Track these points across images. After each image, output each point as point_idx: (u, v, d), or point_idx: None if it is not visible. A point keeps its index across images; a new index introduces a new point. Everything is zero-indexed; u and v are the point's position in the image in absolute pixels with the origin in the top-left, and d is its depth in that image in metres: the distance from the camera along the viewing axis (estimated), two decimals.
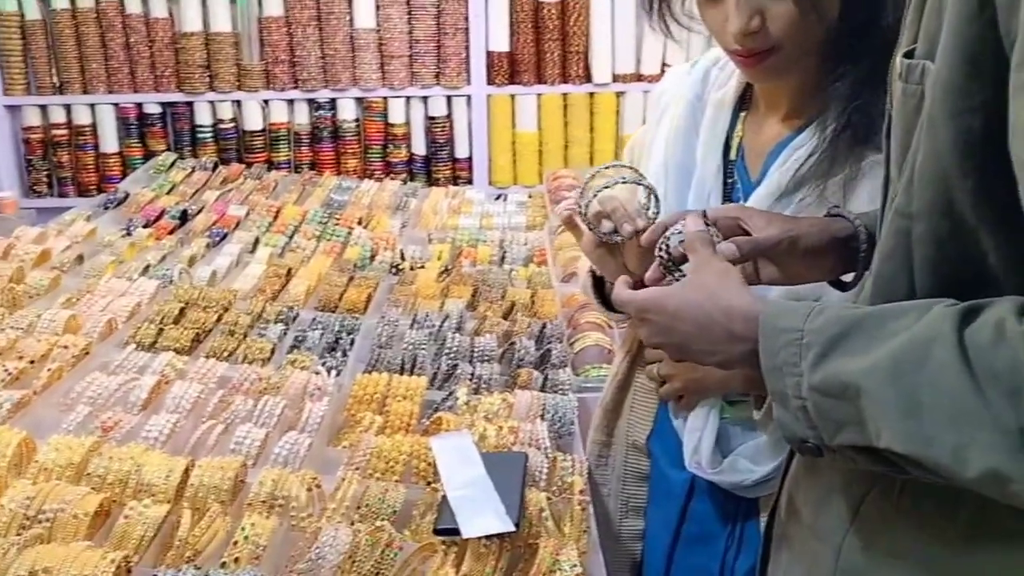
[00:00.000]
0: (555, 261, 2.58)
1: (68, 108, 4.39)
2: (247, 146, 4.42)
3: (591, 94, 4.41)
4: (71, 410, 1.49)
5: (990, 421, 0.65)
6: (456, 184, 4.29)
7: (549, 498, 1.29)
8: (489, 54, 4.37)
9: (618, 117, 4.42)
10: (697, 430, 1.26)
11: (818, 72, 1.15)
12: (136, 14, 4.27)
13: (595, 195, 1.16)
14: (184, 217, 2.86)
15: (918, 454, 0.69)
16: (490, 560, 1.15)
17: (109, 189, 3.40)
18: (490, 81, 4.39)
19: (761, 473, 1.22)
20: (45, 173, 4.46)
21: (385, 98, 4.41)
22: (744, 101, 1.27)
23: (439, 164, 4.48)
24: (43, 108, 4.40)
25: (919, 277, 0.75)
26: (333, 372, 1.73)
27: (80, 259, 2.39)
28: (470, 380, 1.72)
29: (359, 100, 4.44)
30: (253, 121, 4.40)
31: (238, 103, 4.40)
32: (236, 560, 1.13)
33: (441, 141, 4.47)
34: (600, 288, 1.35)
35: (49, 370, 1.61)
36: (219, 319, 1.96)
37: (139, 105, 4.39)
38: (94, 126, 4.40)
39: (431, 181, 4.39)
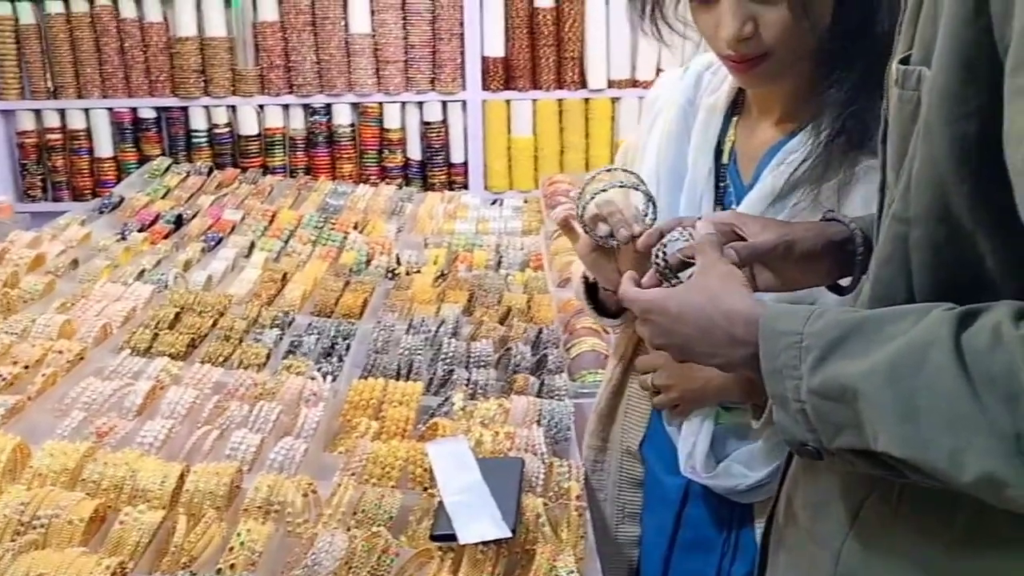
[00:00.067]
0: (551, 266, 2.58)
1: (62, 112, 4.38)
2: (242, 151, 4.41)
3: (586, 99, 4.42)
4: (66, 415, 1.48)
5: (986, 425, 0.65)
6: (452, 189, 4.29)
7: (546, 504, 1.28)
8: (484, 59, 4.37)
9: (613, 122, 4.43)
10: (692, 436, 1.26)
11: (811, 77, 1.15)
12: (131, 18, 4.26)
13: (592, 198, 1.16)
14: (179, 222, 2.86)
15: (915, 458, 0.69)
16: (487, 566, 1.15)
17: (104, 194, 3.39)
18: (485, 86, 4.40)
19: (755, 478, 1.22)
20: (40, 177, 4.45)
21: (380, 103, 4.42)
22: (736, 105, 1.27)
23: (435, 169, 4.48)
24: (37, 112, 4.39)
25: (917, 281, 0.75)
26: (329, 377, 1.72)
27: (75, 264, 2.38)
28: (466, 385, 1.71)
29: (354, 105, 4.44)
30: (248, 126, 4.40)
31: (233, 108, 4.40)
32: (232, 566, 1.12)
33: (437, 146, 4.47)
34: (593, 293, 1.35)
35: (44, 375, 1.60)
36: (214, 324, 1.96)
37: (134, 110, 4.39)
38: (88, 131, 4.39)
39: (427, 186, 4.39)
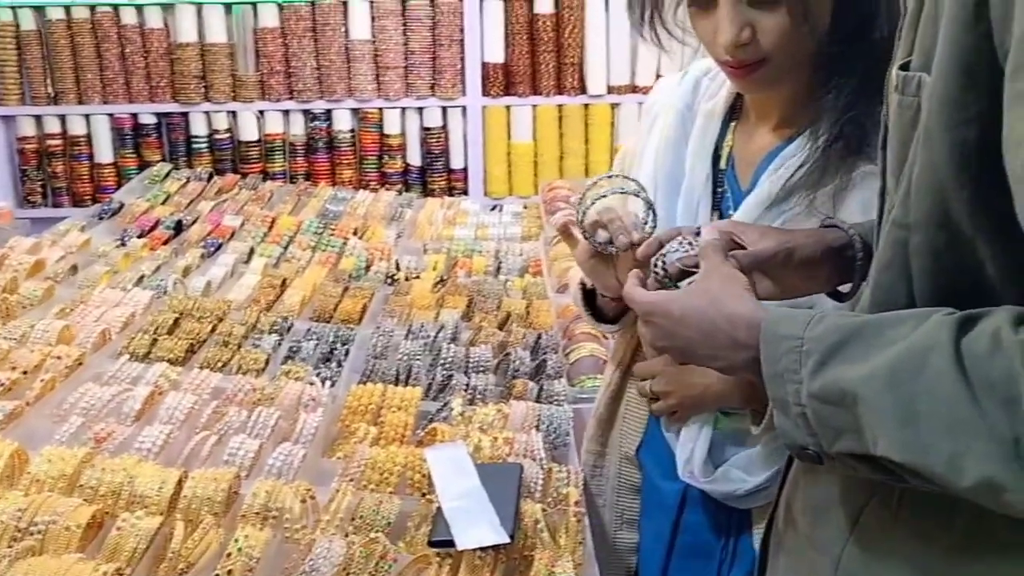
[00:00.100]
0: (550, 272, 2.58)
1: (63, 118, 4.39)
2: (242, 157, 4.42)
3: (586, 105, 4.42)
4: (64, 421, 1.48)
5: (985, 430, 0.65)
6: (451, 195, 4.30)
7: (544, 509, 1.28)
8: (484, 65, 4.38)
9: (613, 128, 4.44)
10: (690, 441, 1.26)
11: (809, 83, 1.15)
12: (131, 24, 4.27)
13: (592, 204, 1.16)
14: (179, 227, 2.86)
15: (914, 462, 0.69)
16: (485, 572, 1.14)
17: (104, 199, 3.40)
18: (485, 92, 4.40)
19: (754, 483, 1.22)
20: (40, 183, 4.45)
21: (380, 109, 4.42)
22: (734, 111, 1.27)
23: (434, 175, 4.49)
24: (38, 118, 4.40)
25: (918, 287, 0.75)
26: (327, 383, 1.72)
27: (74, 269, 2.38)
28: (465, 391, 1.71)
29: (355, 111, 4.44)
30: (248, 132, 4.41)
31: (233, 114, 4.41)
32: (229, 572, 1.12)
33: (436, 152, 4.47)
34: (591, 299, 1.35)
35: (42, 381, 1.60)
36: (213, 330, 1.96)
37: (134, 115, 4.39)
38: (89, 136, 4.39)
39: (426, 192, 4.39)
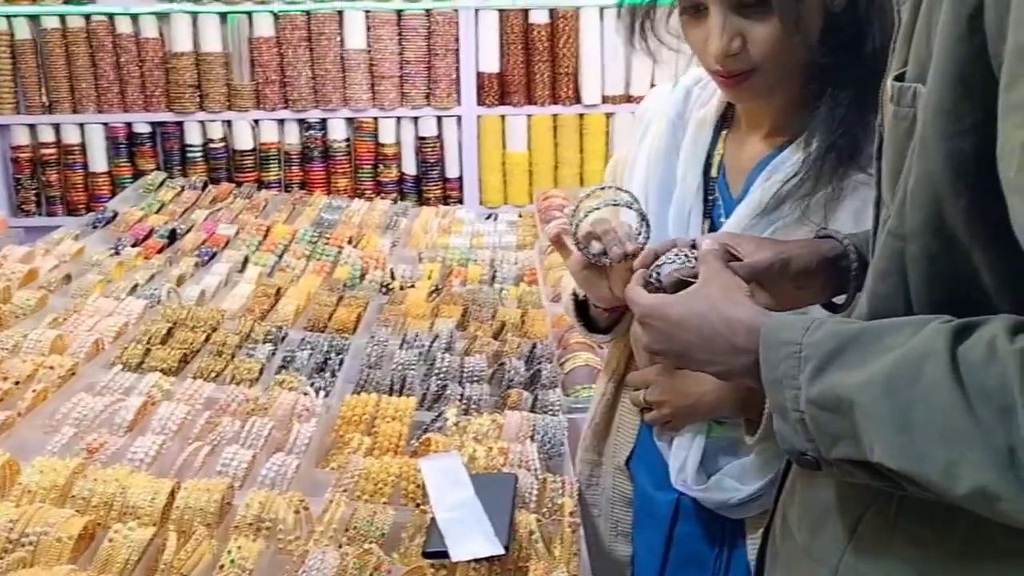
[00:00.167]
0: (546, 281, 2.58)
1: (57, 127, 4.38)
2: (237, 165, 4.42)
3: (581, 115, 4.44)
4: (56, 431, 1.47)
5: (980, 439, 0.65)
6: (447, 204, 4.30)
7: (539, 520, 1.28)
8: (479, 75, 4.39)
9: (607, 138, 4.45)
10: (683, 449, 1.26)
11: (801, 92, 1.15)
12: (126, 34, 4.28)
13: (586, 215, 1.16)
14: (173, 236, 2.85)
15: (909, 470, 0.69)
16: None
17: (98, 208, 3.39)
18: (480, 102, 4.41)
19: (747, 492, 1.22)
20: (34, 192, 4.45)
21: (376, 118, 4.43)
22: (725, 120, 1.27)
23: (429, 184, 4.49)
24: (32, 127, 4.40)
25: (915, 296, 0.76)
26: (322, 393, 1.72)
27: (68, 278, 2.37)
28: (460, 401, 1.71)
29: (349, 120, 4.45)
30: (243, 141, 4.41)
31: (228, 123, 4.41)
32: None
33: (431, 161, 4.48)
34: (583, 309, 1.35)
35: (34, 391, 1.59)
36: (207, 339, 1.95)
37: (129, 125, 4.39)
38: (83, 145, 4.39)
39: (421, 200, 4.40)
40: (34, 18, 4.28)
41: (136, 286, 2.32)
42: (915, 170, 0.72)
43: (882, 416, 0.70)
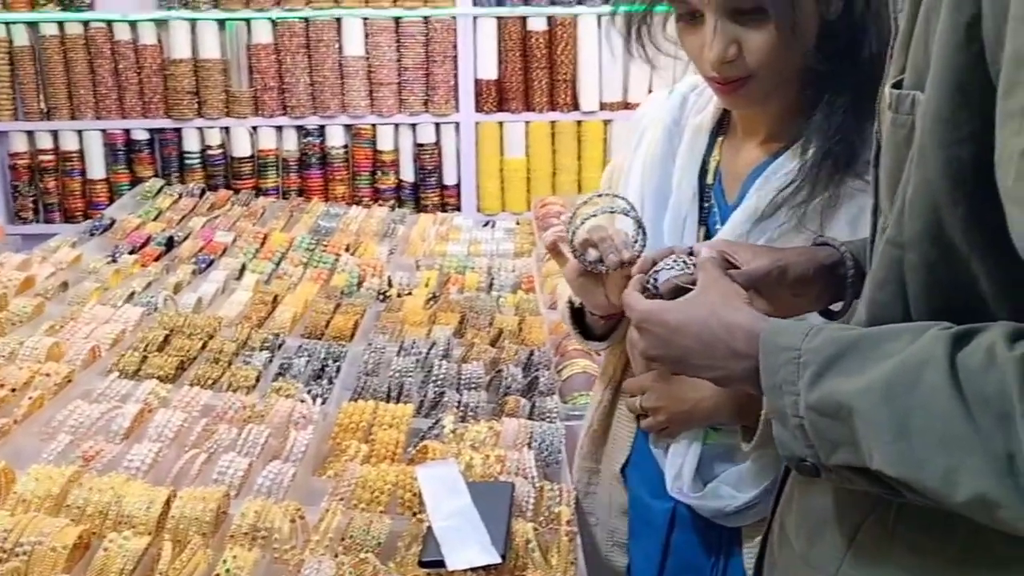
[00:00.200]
0: (543, 288, 2.58)
1: (55, 134, 4.38)
2: (235, 172, 4.42)
3: (579, 122, 4.44)
4: (52, 439, 1.47)
5: (979, 446, 0.65)
6: (444, 211, 4.30)
7: (536, 528, 1.27)
8: (477, 82, 4.40)
9: (605, 144, 4.45)
10: (679, 456, 1.26)
11: (797, 99, 1.15)
12: (125, 40, 4.28)
13: (583, 222, 1.16)
14: (170, 244, 2.85)
15: (908, 477, 0.69)
16: None
17: (96, 215, 3.39)
18: (478, 108, 4.42)
19: (743, 500, 1.21)
20: (31, 199, 4.44)
21: (374, 125, 4.43)
22: (721, 126, 1.27)
23: (427, 191, 4.49)
24: (30, 134, 4.40)
25: (913, 305, 0.76)
26: (318, 400, 1.71)
27: (64, 286, 2.37)
28: (457, 408, 1.70)
29: (348, 127, 4.45)
30: (241, 147, 4.41)
31: (226, 129, 4.41)
32: None
33: (429, 168, 4.48)
34: (579, 317, 1.35)
35: (30, 398, 1.59)
36: (204, 346, 1.95)
37: (127, 131, 4.39)
38: (81, 152, 4.39)
39: (419, 208, 4.39)
40: (33, 25, 4.28)
41: (133, 293, 2.32)
42: (914, 178, 0.72)
43: (881, 423, 0.70)
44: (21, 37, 4.28)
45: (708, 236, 1.23)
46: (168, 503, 1.26)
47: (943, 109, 0.68)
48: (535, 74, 4.37)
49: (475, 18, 4.33)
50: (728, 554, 1.27)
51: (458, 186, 4.51)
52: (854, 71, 1.09)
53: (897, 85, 0.75)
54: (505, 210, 4.46)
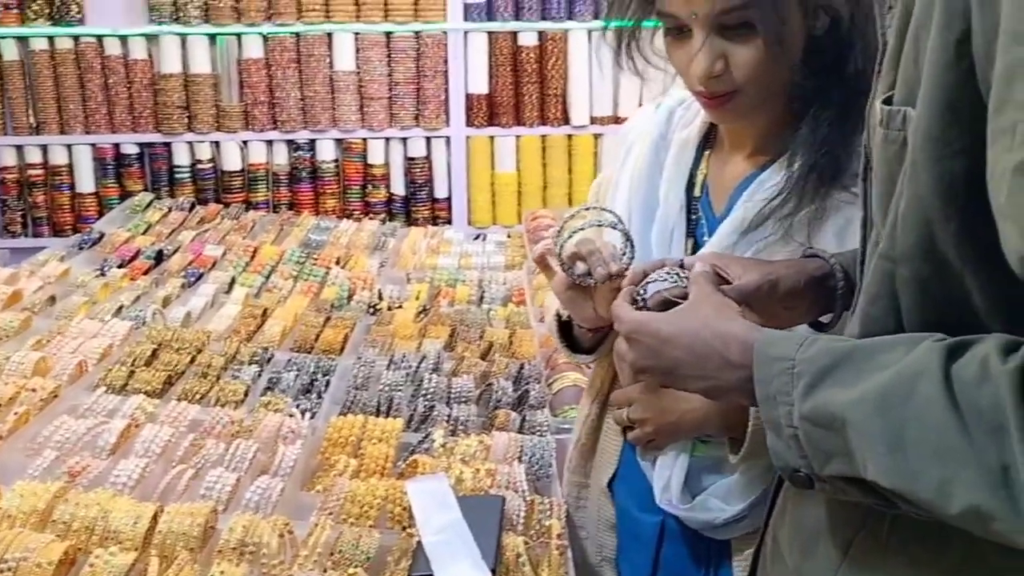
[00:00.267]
0: (534, 301, 2.58)
1: (44, 148, 4.37)
2: (225, 186, 4.41)
3: (569, 136, 4.46)
4: (38, 455, 1.45)
5: (974, 458, 0.65)
6: (435, 224, 4.30)
7: (527, 543, 1.27)
8: (468, 96, 4.41)
9: (596, 158, 4.47)
10: (667, 468, 1.25)
11: (784, 113, 1.16)
12: (115, 55, 4.28)
13: (571, 236, 1.16)
14: (159, 257, 2.84)
15: (902, 489, 0.69)
16: None
17: (85, 229, 3.38)
18: (469, 123, 4.43)
19: (732, 512, 1.21)
20: (20, 213, 4.43)
21: (364, 139, 4.43)
22: (708, 140, 1.28)
23: (418, 204, 4.49)
24: (19, 148, 4.38)
25: (907, 318, 0.76)
26: (307, 414, 1.70)
27: (52, 300, 2.35)
28: (447, 422, 1.70)
29: (338, 141, 4.45)
30: (232, 161, 4.40)
31: (216, 144, 4.41)
32: None
33: (420, 181, 4.48)
34: (567, 330, 1.34)
35: (16, 414, 1.57)
36: (192, 361, 1.93)
37: (116, 145, 4.39)
38: (71, 166, 4.38)
39: (410, 221, 4.40)
40: (22, 39, 4.28)
41: (121, 307, 2.30)
42: (906, 193, 0.72)
43: (875, 434, 0.70)
44: (11, 52, 4.27)
45: (696, 248, 1.24)
46: (155, 518, 1.25)
47: (934, 126, 0.68)
48: (526, 88, 4.39)
49: (466, 33, 4.34)
50: (718, 566, 1.27)
51: (449, 200, 4.52)
52: (840, 85, 1.10)
53: (888, 101, 0.75)
54: (496, 223, 4.47)
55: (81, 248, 2.96)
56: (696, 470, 1.25)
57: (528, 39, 4.35)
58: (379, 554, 1.24)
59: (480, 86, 4.40)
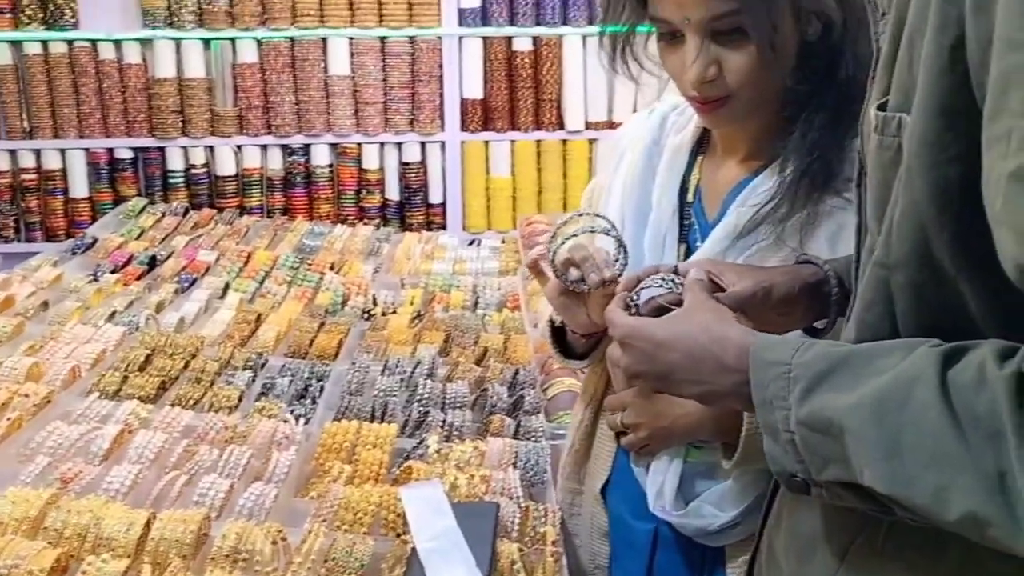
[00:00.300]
0: (528, 306, 2.58)
1: (38, 153, 4.36)
2: (219, 191, 4.40)
3: (564, 141, 4.46)
4: (30, 461, 1.45)
5: (970, 464, 0.65)
6: (430, 229, 4.29)
7: (521, 549, 1.26)
8: (463, 101, 4.41)
9: (590, 163, 4.47)
10: (660, 474, 1.25)
11: (776, 118, 1.17)
12: (109, 60, 4.27)
13: (564, 242, 1.16)
14: (153, 263, 2.83)
15: (899, 494, 0.69)
16: None
17: (78, 234, 3.37)
18: (464, 128, 4.43)
19: (726, 519, 1.21)
20: (13, 218, 4.41)
21: (359, 144, 4.43)
22: (701, 145, 1.28)
23: (413, 209, 4.49)
24: (12, 153, 4.37)
25: (902, 325, 0.76)
26: (301, 420, 1.70)
27: (45, 305, 2.35)
28: (441, 427, 1.69)
29: (333, 146, 4.45)
30: (226, 166, 4.40)
31: (211, 148, 4.40)
32: None
33: (415, 187, 4.48)
34: (560, 336, 1.34)
35: (8, 420, 1.57)
36: (186, 366, 1.93)
37: (110, 150, 4.37)
38: (64, 171, 4.36)
39: (405, 226, 4.39)
40: (16, 43, 4.27)
41: (115, 313, 2.30)
42: (901, 200, 0.72)
43: (871, 440, 0.70)
44: (4, 56, 4.26)
45: (688, 253, 1.24)
46: (148, 525, 1.24)
47: (929, 132, 0.68)
48: (520, 93, 4.39)
49: (461, 38, 4.35)
50: (712, 574, 1.26)
51: (443, 205, 4.52)
52: (832, 91, 1.10)
53: (882, 107, 0.75)
54: (491, 229, 4.46)
55: (74, 253, 2.95)
56: (689, 476, 1.25)
57: (523, 44, 4.35)
58: (373, 561, 1.23)
59: (475, 91, 4.40)
